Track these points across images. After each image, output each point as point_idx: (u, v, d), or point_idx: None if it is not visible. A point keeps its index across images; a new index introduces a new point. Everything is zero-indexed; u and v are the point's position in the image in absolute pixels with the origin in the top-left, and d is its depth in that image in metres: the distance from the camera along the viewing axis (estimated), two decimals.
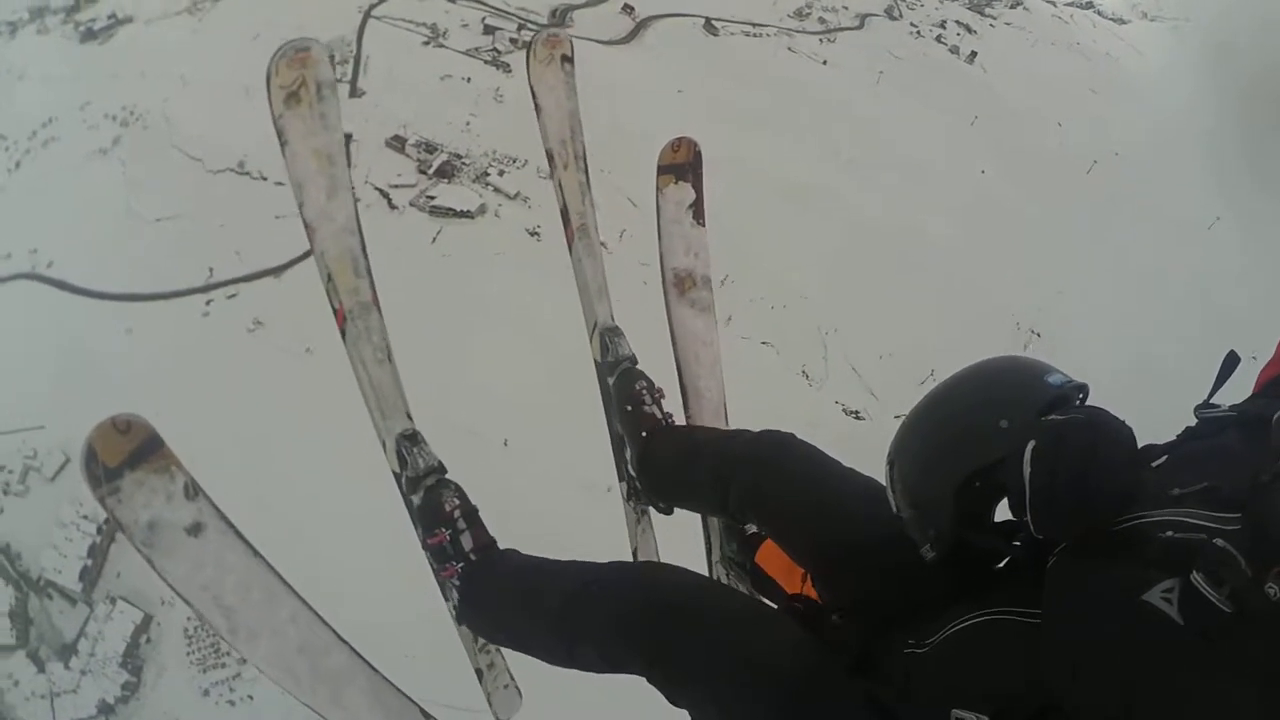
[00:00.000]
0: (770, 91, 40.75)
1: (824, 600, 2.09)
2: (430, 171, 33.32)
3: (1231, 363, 1.55)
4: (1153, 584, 1.14)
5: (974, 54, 48.78)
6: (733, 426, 2.87)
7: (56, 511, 23.76)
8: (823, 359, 31.58)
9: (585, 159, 2.95)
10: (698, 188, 3.05)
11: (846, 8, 48.96)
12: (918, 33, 49.31)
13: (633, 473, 2.87)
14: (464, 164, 33.89)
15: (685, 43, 43.14)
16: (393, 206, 32.29)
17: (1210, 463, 1.34)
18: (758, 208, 34.65)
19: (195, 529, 1.79)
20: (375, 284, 2.36)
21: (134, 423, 1.65)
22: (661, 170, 3.06)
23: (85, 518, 23.10)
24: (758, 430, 2.45)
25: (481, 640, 2.63)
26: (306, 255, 32.21)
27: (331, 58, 2.22)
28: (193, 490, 1.77)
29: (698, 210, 3.03)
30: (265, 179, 32.11)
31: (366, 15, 37.47)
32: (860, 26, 48.46)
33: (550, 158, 2.91)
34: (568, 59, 2.89)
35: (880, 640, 1.70)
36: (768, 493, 2.24)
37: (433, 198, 32.50)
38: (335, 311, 2.32)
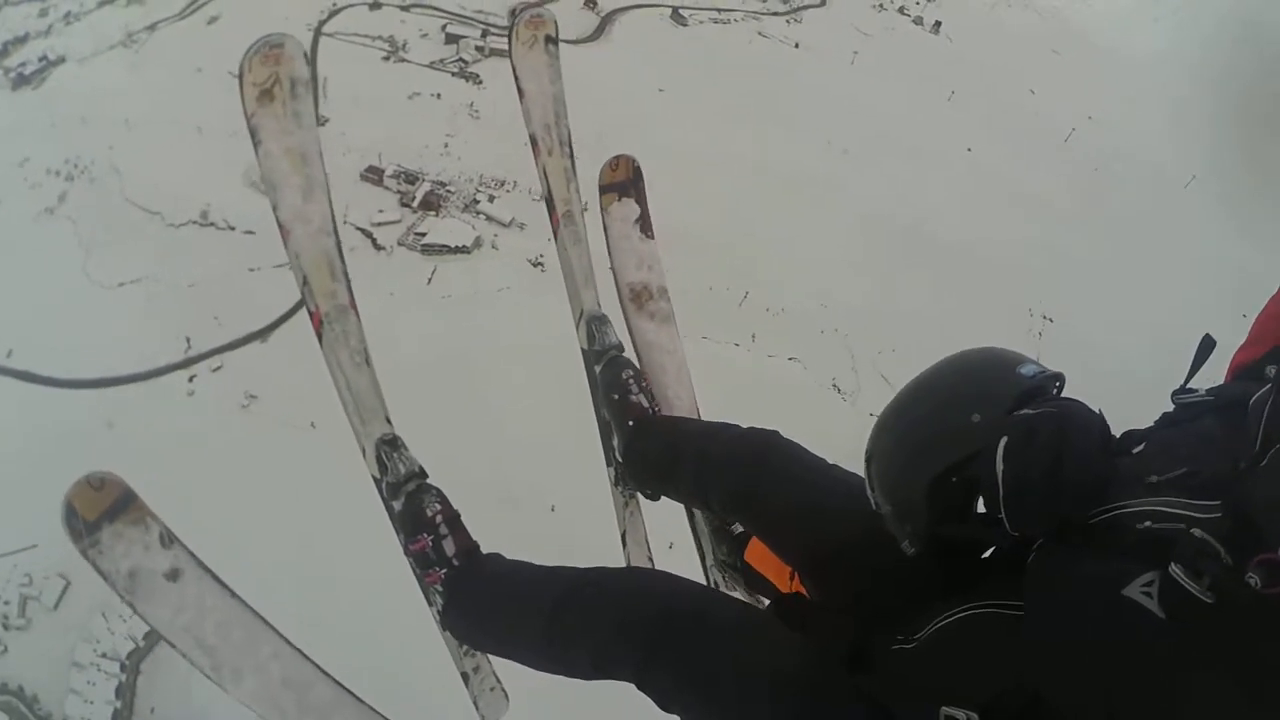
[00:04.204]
0: (750, 81, 39.38)
1: (815, 598, 2.00)
2: (414, 204, 30.74)
3: (1207, 347, 1.51)
4: (1132, 577, 1.11)
5: (938, 24, 48.42)
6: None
7: (68, 648, 21.03)
8: (852, 369, 30.58)
9: (570, 144, 2.85)
10: (641, 202, 3.04)
11: None
12: (880, 6, 48.50)
13: (619, 459, 2.81)
14: (450, 192, 31.40)
15: (655, 36, 41.27)
16: (379, 247, 29.74)
17: (1188, 449, 1.30)
18: (763, 208, 33.50)
19: (173, 574, 1.82)
20: (352, 286, 2.26)
21: (108, 479, 1.71)
22: (604, 190, 3.01)
23: (105, 656, 20.59)
24: (742, 428, 2.38)
25: (466, 646, 2.60)
26: (293, 312, 29.42)
27: (305, 55, 2.06)
28: (168, 539, 1.81)
29: (644, 224, 3.02)
30: (233, 228, 29.30)
31: (317, 33, 34.25)
32: (823, 3, 47.22)
33: (534, 143, 2.80)
34: (551, 40, 2.77)
35: (873, 638, 1.61)
36: (752, 496, 2.18)
37: (422, 234, 30.01)
38: (311, 315, 2.24)
